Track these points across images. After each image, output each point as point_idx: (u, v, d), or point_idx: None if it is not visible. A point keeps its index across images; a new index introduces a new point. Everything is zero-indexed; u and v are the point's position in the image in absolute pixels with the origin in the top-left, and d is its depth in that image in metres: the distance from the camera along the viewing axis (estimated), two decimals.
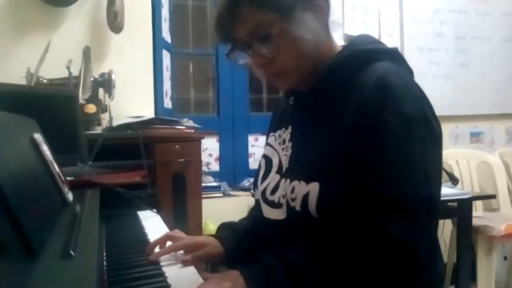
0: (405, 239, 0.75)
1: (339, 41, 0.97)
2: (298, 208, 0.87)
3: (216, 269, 1.00)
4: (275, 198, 0.94)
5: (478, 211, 2.81)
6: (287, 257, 0.80)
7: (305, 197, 0.85)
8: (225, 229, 1.05)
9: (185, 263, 0.91)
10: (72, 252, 0.60)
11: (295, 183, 0.88)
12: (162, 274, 0.88)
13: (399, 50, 0.95)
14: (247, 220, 1.11)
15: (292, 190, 0.89)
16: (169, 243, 0.98)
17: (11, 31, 2.26)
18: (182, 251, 0.97)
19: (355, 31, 3.07)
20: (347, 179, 0.81)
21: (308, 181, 0.85)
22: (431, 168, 0.81)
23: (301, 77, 0.91)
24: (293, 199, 0.88)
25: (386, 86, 0.81)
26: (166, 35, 2.75)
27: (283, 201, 0.92)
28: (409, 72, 0.93)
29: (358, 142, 0.80)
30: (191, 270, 0.91)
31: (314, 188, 0.84)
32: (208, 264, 1.03)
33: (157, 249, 0.97)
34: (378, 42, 0.96)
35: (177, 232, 1.02)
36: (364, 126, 0.80)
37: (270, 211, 0.95)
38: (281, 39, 0.85)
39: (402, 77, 0.85)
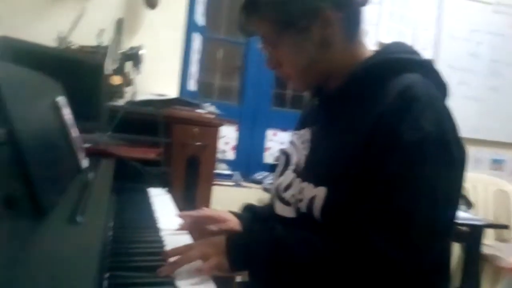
0: (388, 253, 0.73)
1: (371, 47, 0.94)
2: (303, 210, 0.86)
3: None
4: (287, 195, 0.93)
5: (489, 239, 2.75)
6: (277, 232, 0.82)
7: (311, 201, 0.84)
8: (247, 210, 1.10)
9: (211, 229, 0.99)
10: (78, 218, 0.60)
11: (305, 184, 0.87)
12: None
13: (417, 52, 0.91)
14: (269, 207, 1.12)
15: (300, 191, 0.88)
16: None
17: None
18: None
19: (388, 40, 3.02)
20: (355, 187, 0.79)
21: (316, 184, 0.84)
22: (440, 191, 0.76)
23: (313, 83, 0.93)
24: (300, 200, 0.87)
25: (410, 98, 0.78)
26: (200, 17, 2.74)
27: (292, 200, 0.91)
28: (442, 87, 0.88)
29: (371, 151, 0.78)
30: None
31: (321, 192, 0.83)
32: None
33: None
34: (412, 51, 0.92)
35: (206, 209, 1.10)
36: (379, 136, 0.78)
37: (282, 208, 0.95)
38: (282, 50, 0.89)
39: (429, 92, 0.81)
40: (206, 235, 0.96)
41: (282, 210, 0.94)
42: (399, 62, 0.87)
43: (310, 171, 0.90)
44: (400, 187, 0.75)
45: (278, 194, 0.97)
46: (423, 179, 0.75)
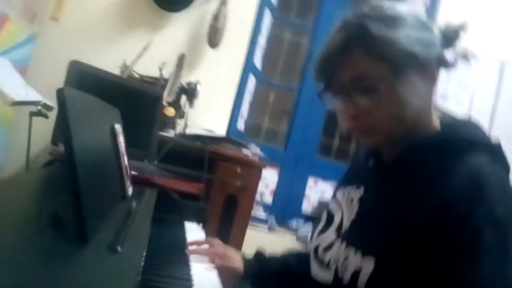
0: None
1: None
2: (346, 281, 0.80)
3: None
4: (326, 257, 0.89)
5: None
6: None
7: (357, 272, 0.79)
8: (256, 255, 1.13)
9: (212, 264, 1.07)
10: (118, 248, 0.61)
11: (351, 252, 0.82)
12: None
13: (487, 133, 0.85)
14: (289, 257, 1.11)
15: (346, 258, 0.82)
16: (206, 246, 1.15)
17: (118, 22, 2.42)
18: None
19: (444, 103, 2.98)
20: (406, 266, 0.74)
21: (364, 253, 0.79)
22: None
23: (390, 140, 0.84)
24: (344, 269, 0.82)
25: (480, 185, 0.73)
26: (257, 61, 2.82)
27: (333, 265, 0.86)
28: (507, 170, 0.83)
29: (438, 238, 0.73)
30: None
31: (368, 264, 0.78)
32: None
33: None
34: (482, 133, 0.86)
35: (216, 241, 1.17)
36: (448, 225, 0.72)
37: (318, 270, 0.90)
38: (385, 95, 0.79)
39: (499, 178, 0.77)
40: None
41: (318, 273, 0.89)
42: (467, 142, 0.82)
43: (357, 236, 0.84)
44: (485, 282, 0.70)
45: (316, 255, 0.92)
46: (505, 272, 0.71)
